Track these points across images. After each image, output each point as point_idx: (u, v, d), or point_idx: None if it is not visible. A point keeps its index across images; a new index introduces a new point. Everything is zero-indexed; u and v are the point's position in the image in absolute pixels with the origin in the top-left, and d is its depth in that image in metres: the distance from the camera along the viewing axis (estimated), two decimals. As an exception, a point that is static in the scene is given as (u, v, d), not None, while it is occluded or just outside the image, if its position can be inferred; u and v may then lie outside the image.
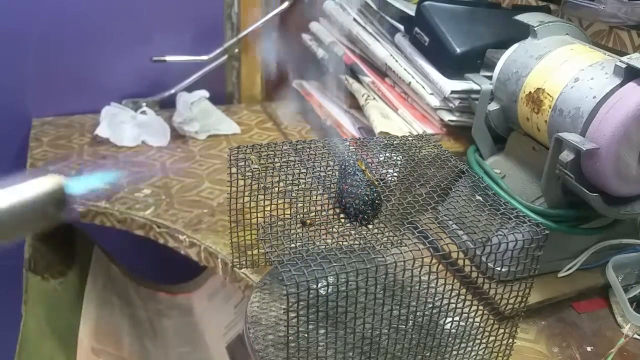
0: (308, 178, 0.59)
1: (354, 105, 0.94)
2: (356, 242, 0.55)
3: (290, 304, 0.41)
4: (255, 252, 0.65)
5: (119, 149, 0.93)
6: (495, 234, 0.52)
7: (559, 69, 0.61)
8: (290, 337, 0.43)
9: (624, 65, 0.54)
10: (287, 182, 0.58)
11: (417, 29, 0.83)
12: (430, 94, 0.79)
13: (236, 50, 1.10)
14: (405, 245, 0.44)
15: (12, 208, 0.36)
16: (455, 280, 0.49)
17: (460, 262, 0.53)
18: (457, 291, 0.49)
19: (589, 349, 0.58)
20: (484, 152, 0.73)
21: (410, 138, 0.63)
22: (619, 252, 0.66)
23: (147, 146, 0.95)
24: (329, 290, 0.51)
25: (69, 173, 0.55)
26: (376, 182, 0.54)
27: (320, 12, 1.09)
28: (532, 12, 0.70)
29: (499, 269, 0.52)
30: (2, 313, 0.90)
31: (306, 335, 0.44)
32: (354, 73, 0.94)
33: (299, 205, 0.59)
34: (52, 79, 1.01)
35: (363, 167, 0.54)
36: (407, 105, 0.85)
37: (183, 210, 0.78)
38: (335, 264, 0.42)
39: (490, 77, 0.70)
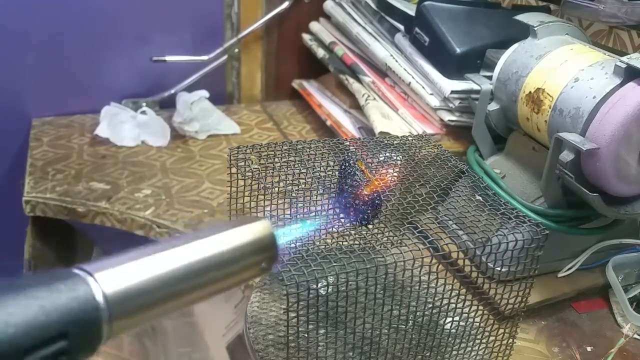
0: (308, 178, 0.59)
1: (354, 105, 0.95)
2: (356, 242, 0.55)
3: (290, 304, 0.41)
4: (255, 252, 0.65)
5: (119, 149, 0.93)
6: (495, 234, 0.52)
7: (559, 69, 0.61)
8: (290, 337, 0.43)
9: (624, 65, 0.54)
10: (287, 182, 0.58)
11: (417, 29, 0.83)
12: (430, 94, 0.79)
13: (236, 50, 1.10)
14: (405, 245, 0.44)
15: (226, 256, 0.32)
16: (455, 280, 0.49)
17: (460, 262, 0.53)
18: (457, 291, 0.49)
19: (589, 349, 0.58)
20: (484, 152, 0.73)
21: (410, 138, 0.63)
22: (619, 252, 0.66)
23: (147, 146, 0.95)
24: (329, 290, 0.51)
25: (278, 221, 0.52)
26: (376, 182, 0.54)
27: (320, 12, 1.10)
28: (532, 12, 0.70)
29: (499, 269, 0.52)
30: (2, 313, 0.89)
31: (306, 335, 0.44)
32: (354, 73, 0.94)
33: (299, 205, 0.59)
34: (52, 79, 1.01)
35: (363, 167, 0.54)
36: (407, 105, 0.85)
37: (183, 210, 0.78)
38: (335, 264, 0.42)
39: (490, 77, 0.70)
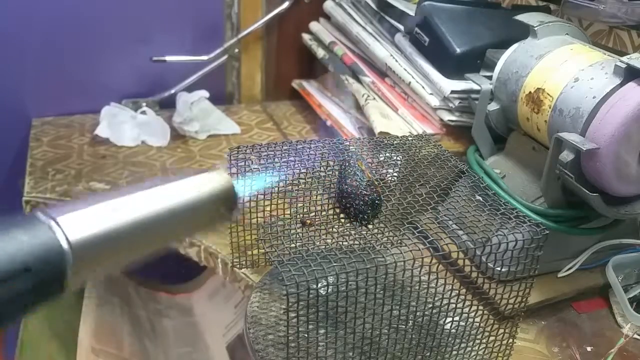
0: (308, 178, 0.59)
1: (354, 105, 0.94)
2: (356, 242, 0.55)
3: (290, 304, 0.41)
4: (255, 252, 0.65)
5: (119, 149, 0.93)
6: (495, 234, 0.52)
7: (559, 69, 0.61)
8: (290, 337, 0.43)
9: (624, 65, 0.54)
10: (287, 182, 0.58)
11: (417, 29, 0.83)
12: (430, 94, 0.79)
13: (236, 50, 1.10)
14: (405, 245, 0.44)
15: (188, 203, 0.33)
16: (455, 280, 0.49)
17: (460, 262, 0.53)
18: (457, 291, 0.49)
19: (589, 349, 0.58)
20: (484, 152, 0.73)
21: (410, 138, 0.63)
22: (619, 252, 0.66)
23: (147, 146, 0.95)
24: (329, 290, 0.51)
25: (233, 173, 0.57)
26: (376, 182, 0.54)
27: (320, 12, 1.10)
28: (532, 12, 0.70)
29: (499, 269, 0.52)
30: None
31: (306, 335, 0.44)
32: (354, 73, 0.94)
33: (299, 205, 0.59)
34: (52, 79, 1.01)
35: (363, 167, 0.54)
36: (407, 105, 0.85)
37: (183, 210, 0.78)
38: (335, 264, 0.42)
39: (490, 77, 0.70)
